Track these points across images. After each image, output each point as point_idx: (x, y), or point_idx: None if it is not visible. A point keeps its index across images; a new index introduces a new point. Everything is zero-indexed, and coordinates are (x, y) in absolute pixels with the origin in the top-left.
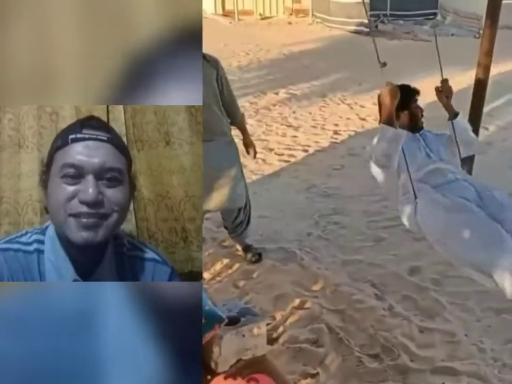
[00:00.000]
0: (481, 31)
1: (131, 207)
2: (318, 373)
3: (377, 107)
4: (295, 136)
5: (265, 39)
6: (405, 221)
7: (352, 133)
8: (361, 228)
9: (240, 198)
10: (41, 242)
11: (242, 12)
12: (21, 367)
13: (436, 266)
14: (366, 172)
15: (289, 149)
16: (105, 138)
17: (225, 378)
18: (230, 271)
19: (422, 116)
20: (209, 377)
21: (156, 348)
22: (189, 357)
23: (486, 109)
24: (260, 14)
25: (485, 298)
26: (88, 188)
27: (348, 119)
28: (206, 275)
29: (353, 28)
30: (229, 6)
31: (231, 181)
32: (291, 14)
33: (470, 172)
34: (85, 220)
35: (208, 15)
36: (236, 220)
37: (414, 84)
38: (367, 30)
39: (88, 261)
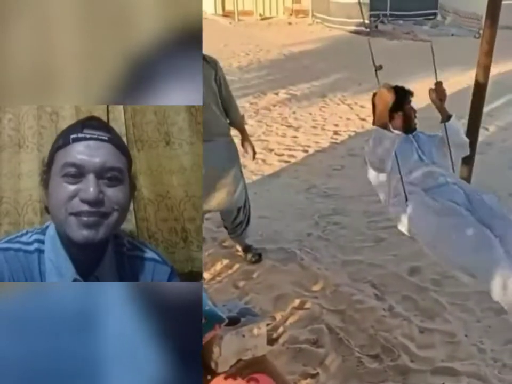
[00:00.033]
0: (481, 31)
1: (131, 207)
2: (318, 373)
3: None
4: (295, 137)
5: (265, 40)
6: (396, 222)
7: (352, 133)
8: (361, 228)
9: (240, 198)
10: (42, 242)
11: (242, 12)
12: (21, 367)
13: (436, 266)
14: (366, 172)
15: (289, 150)
16: (106, 138)
17: (225, 378)
18: (230, 271)
19: (415, 117)
20: (209, 377)
21: (156, 347)
22: (189, 357)
23: (486, 109)
24: (260, 15)
25: (485, 298)
26: (89, 186)
27: (348, 119)
28: (206, 275)
29: (353, 28)
30: (229, 7)
31: (231, 181)
32: (291, 15)
33: (470, 172)
34: (85, 219)
35: (208, 15)
36: (236, 220)
37: (413, 84)
38: (367, 30)
39: (89, 260)
